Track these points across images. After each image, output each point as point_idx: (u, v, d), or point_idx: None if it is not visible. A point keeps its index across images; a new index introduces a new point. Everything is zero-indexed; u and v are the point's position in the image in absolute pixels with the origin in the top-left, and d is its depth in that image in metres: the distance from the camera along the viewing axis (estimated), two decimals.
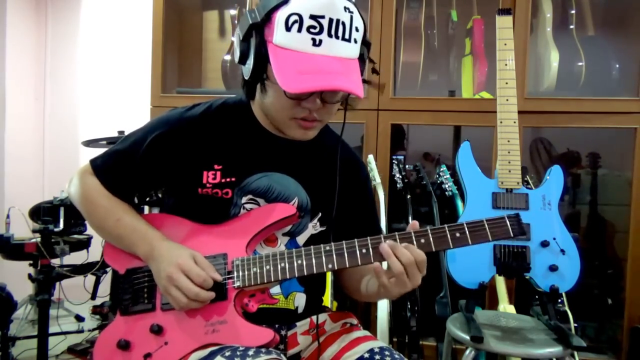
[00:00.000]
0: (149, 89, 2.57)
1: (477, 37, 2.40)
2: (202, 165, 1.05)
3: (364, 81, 1.02)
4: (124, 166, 1.08)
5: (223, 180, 1.04)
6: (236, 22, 2.79)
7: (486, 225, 0.91)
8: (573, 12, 2.43)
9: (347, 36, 0.92)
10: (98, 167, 1.10)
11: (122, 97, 3.23)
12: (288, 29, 0.90)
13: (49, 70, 3.39)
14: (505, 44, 1.67)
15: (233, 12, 2.82)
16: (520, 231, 0.91)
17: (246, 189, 1.05)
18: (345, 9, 0.92)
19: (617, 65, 2.43)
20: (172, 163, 1.06)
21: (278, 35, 0.92)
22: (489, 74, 2.33)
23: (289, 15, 0.90)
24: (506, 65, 1.66)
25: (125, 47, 3.24)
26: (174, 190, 1.12)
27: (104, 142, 2.30)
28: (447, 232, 0.91)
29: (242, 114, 1.10)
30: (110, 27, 3.29)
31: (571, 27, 2.42)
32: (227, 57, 2.70)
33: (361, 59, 0.99)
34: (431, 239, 0.91)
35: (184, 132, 1.06)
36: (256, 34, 0.94)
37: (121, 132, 2.36)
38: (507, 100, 1.64)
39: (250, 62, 0.95)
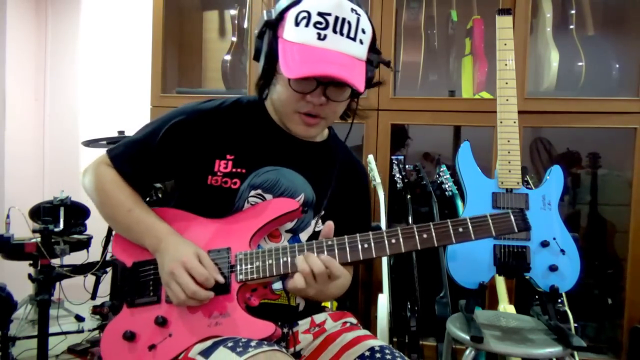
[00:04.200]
0: (149, 89, 2.58)
1: (477, 37, 2.40)
2: (216, 154, 1.08)
3: (376, 83, 1.09)
4: (141, 154, 1.10)
5: (234, 170, 1.07)
6: (236, 22, 2.79)
7: (490, 221, 0.91)
8: (573, 12, 2.43)
9: (352, 35, 0.98)
10: (115, 156, 1.12)
11: (122, 97, 3.23)
12: (297, 24, 0.98)
13: (49, 70, 3.39)
14: (505, 44, 1.67)
15: (233, 12, 2.82)
16: (524, 226, 0.90)
17: (255, 181, 1.07)
18: (352, 10, 0.98)
19: (617, 65, 2.44)
20: (187, 150, 1.08)
21: (287, 30, 0.99)
22: (489, 74, 2.33)
23: (299, 13, 0.98)
24: (506, 65, 1.66)
25: (125, 47, 3.24)
26: (185, 179, 1.13)
27: (104, 142, 2.29)
28: (450, 227, 0.92)
29: (255, 110, 1.14)
30: (110, 27, 3.29)
31: (571, 27, 2.42)
32: (227, 57, 2.70)
33: (370, 64, 1.03)
34: (433, 234, 0.92)
35: (200, 122, 1.09)
36: (269, 31, 1.01)
37: (121, 132, 2.36)
38: (507, 100, 1.64)
39: (262, 57, 1.03)
